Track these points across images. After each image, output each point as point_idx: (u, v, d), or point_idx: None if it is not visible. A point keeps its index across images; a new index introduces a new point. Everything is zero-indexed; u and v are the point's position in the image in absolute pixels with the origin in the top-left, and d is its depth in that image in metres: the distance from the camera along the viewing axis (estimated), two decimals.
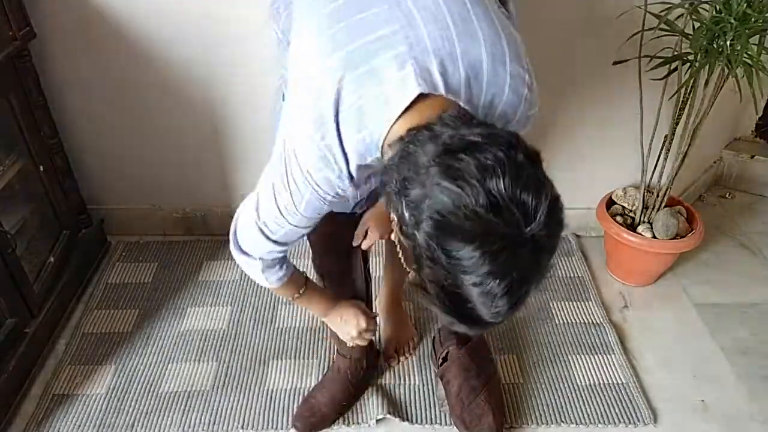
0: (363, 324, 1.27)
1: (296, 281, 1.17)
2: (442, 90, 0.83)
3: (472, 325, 0.76)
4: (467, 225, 0.68)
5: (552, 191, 0.75)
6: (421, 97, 0.82)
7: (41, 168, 1.65)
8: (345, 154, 0.87)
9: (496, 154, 0.71)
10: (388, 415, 1.46)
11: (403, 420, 1.46)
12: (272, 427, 1.46)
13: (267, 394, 1.53)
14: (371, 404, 1.49)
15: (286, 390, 1.54)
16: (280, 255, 1.07)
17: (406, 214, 0.74)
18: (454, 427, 1.45)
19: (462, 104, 0.85)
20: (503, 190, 0.69)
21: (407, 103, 0.81)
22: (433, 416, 1.48)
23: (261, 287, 1.82)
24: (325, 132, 0.85)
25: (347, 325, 1.27)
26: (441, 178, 0.70)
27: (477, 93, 0.88)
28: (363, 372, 1.50)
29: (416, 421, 1.46)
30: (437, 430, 1.46)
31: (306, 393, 1.51)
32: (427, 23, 0.85)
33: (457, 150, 0.72)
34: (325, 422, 1.46)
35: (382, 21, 0.85)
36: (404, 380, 1.56)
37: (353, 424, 1.46)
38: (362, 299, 1.38)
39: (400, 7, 0.86)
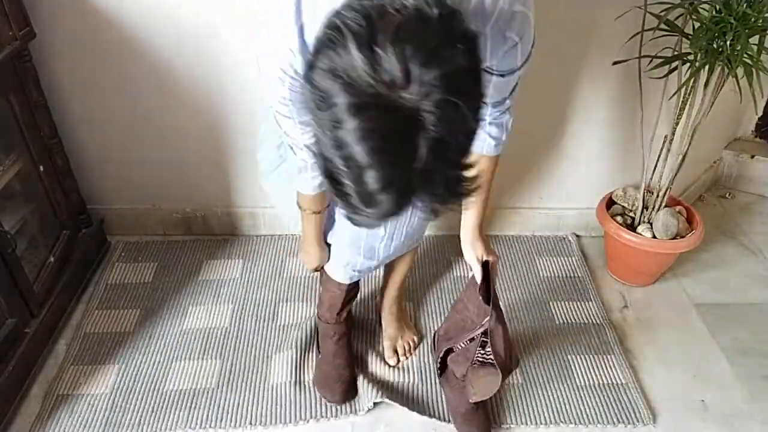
0: (313, 265, 1.43)
1: (321, 201, 1.24)
2: None
3: (365, 205, 0.68)
4: (336, 75, 0.63)
5: (461, 79, 0.64)
6: None
7: (41, 168, 1.65)
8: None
9: (401, 4, 0.64)
10: (386, 399, 1.47)
11: (403, 406, 1.47)
12: (280, 422, 1.46)
13: (272, 390, 1.53)
14: (367, 395, 1.50)
15: (290, 384, 1.54)
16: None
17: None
18: (429, 423, 1.46)
19: None
20: (388, 45, 0.61)
21: None
22: (431, 410, 1.48)
23: (261, 285, 1.83)
24: None
25: (307, 256, 1.41)
26: (337, 21, 0.65)
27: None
28: (344, 322, 1.57)
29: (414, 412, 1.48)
30: (436, 424, 1.46)
31: (310, 382, 1.55)
32: None
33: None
34: (351, 382, 1.53)
35: None
36: (403, 379, 1.56)
37: (346, 414, 1.48)
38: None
39: None
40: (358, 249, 1.35)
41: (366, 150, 0.63)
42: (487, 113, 1.15)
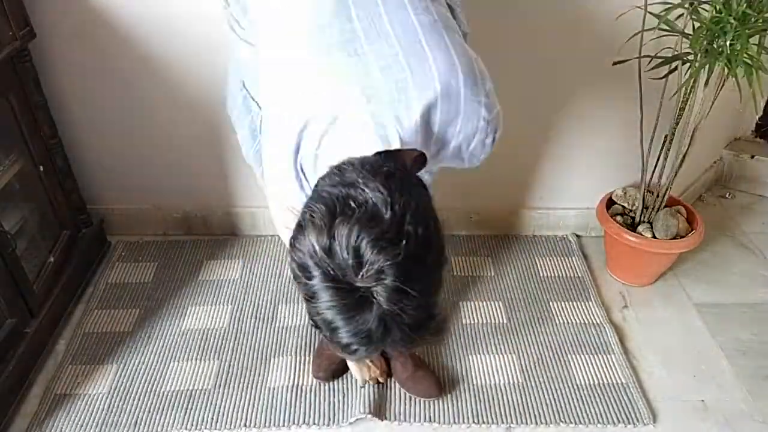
0: (370, 373, 1.51)
1: None
2: (397, 145, 0.89)
3: (344, 352, 0.80)
4: (305, 257, 0.75)
5: (409, 267, 0.74)
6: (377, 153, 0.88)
7: (41, 168, 1.65)
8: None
9: (363, 199, 0.75)
10: (368, 416, 1.46)
11: (382, 419, 1.47)
12: (274, 425, 1.46)
13: (269, 392, 1.53)
14: (347, 404, 1.49)
15: (287, 387, 1.54)
16: None
17: None
18: (429, 424, 1.47)
19: (420, 148, 0.93)
20: (344, 236, 0.72)
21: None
22: (408, 414, 1.48)
23: (261, 286, 1.83)
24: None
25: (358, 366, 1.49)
26: (307, 212, 0.77)
27: (429, 135, 0.94)
28: None
29: (392, 419, 1.47)
30: (414, 427, 1.46)
31: (311, 371, 1.57)
32: (384, 72, 0.90)
33: (336, 189, 0.78)
34: (344, 366, 1.54)
35: (344, 74, 0.91)
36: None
37: (324, 425, 1.46)
38: None
39: (358, 55, 0.90)
40: None
41: (334, 316, 0.75)
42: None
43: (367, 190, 0.76)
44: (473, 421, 1.47)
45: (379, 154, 0.88)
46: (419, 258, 0.76)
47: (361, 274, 0.73)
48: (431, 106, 0.91)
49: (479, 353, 1.64)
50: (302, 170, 0.96)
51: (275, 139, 0.99)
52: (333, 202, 0.76)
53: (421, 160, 0.98)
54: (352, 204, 0.75)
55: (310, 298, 0.77)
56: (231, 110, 1.33)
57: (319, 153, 0.92)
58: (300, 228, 0.78)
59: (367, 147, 0.88)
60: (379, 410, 1.48)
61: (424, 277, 0.77)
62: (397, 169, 0.83)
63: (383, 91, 0.89)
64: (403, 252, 0.73)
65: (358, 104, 0.89)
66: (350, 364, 1.50)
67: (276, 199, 1.15)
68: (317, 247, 0.74)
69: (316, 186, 0.83)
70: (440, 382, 1.54)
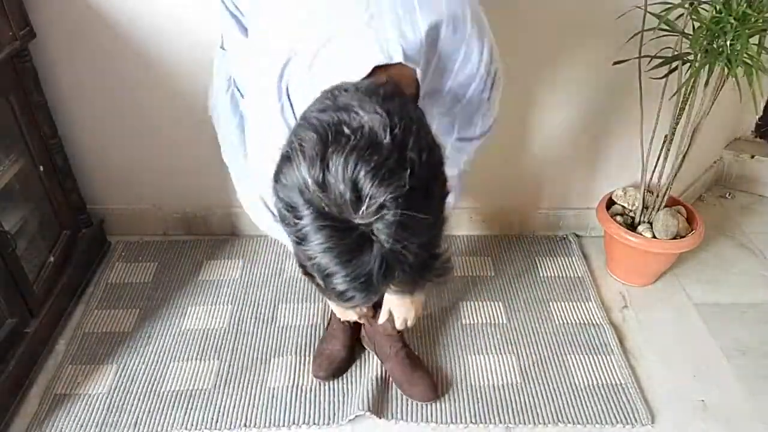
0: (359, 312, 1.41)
1: None
2: (399, 58, 0.83)
3: (339, 300, 0.73)
4: (294, 193, 0.68)
5: (413, 199, 0.67)
6: (378, 67, 0.82)
7: (41, 168, 1.65)
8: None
9: (358, 124, 0.66)
10: (367, 413, 1.46)
11: (379, 417, 1.47)
12: (274, 425, 1.46)
13: (269, 392, 1.53)
14: (347, 404, 1.50)
15: (287, 387, 1.54)
16: None
17: None
18: (426, 423, 1.47)
19: (418, 70, 0.86)
20: (339, 167, 0.65)
21: (363, 74, 0.82)
22: (407, 414, 1.48)
23: (261, 286, 1.83)
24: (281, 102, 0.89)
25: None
26: (294, 141, 0.69)
27: (431, 57, 0.88)
28: None
29: (390, 418, 1.47)
30: (413, 426, 1.46)
31: (312, 370, 1.57)
32: None
33: (326, 114, 0.69)
34: (344, 366, 1.56)
35: None
36: (377, 373, 1.56)
37: (324, 425, 1.46)
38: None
39: None
40: None
41: (329, 260, 0.68)
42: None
43: (362, 113, 0.68)
44: (471, 421, 1.47)
45: (376, 75, 0.80)
46: (424, 188, 0.68)
47: (360, 210, 0.65)
48: (437, 26, 0.87)
49: (478, 353, 1.64)
50: (290, 103, 0.89)
51: (259, 73, 0.91)
52: (324, 129, 0.67)
53: (416, 93, 0.90)
54: (346, 130, 0.66)
55: (301, 240, 0.69)
56: (213, 109, 1.30)
57: (311, 77, 0.84)
58: (287, 160, 0.69)
59: (367, 60, 0.81)
60: (378, 408, 1.48)
61: (429, 210, 0.69)
62: (395, 92, 0.75)
63: (387, 8, 0.84)
64: (407, 182, 0.65)
65: (359, 19, 0.83)
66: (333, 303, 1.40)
67: (259, 159, 1.04)
68: (309, 181, 0.66)
69: (303, 113, 0.73)
70: (436, 386, 1.52)
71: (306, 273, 0.73)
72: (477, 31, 0.93)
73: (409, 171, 0.66)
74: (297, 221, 0.68)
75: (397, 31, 0.84)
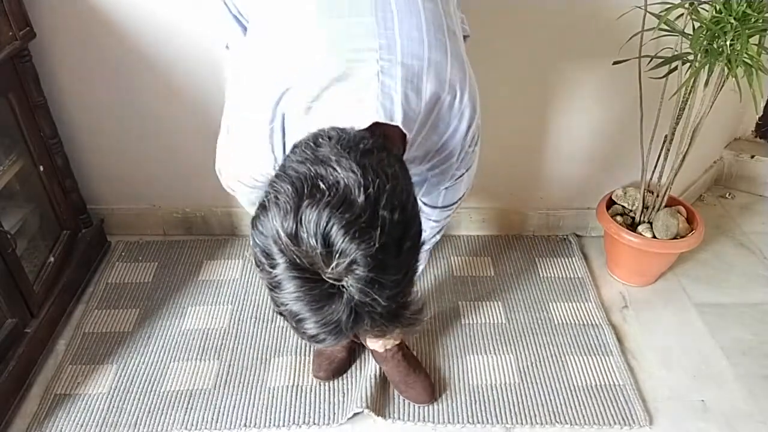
0: None
1: None
2: (398, 121, 0.84)
3: (310, 341, 0.76)
4: (269, 242, 0.70)
5: (383, 257, 0.68)
6: (376, 124, 0.83)
7: (41, 168, 1.65)
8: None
9: (333, 180, 0.68)
10: (366, 410, 1.46)
11: (378, 415, 1.47)
12: (274, 425, 1.46)
13: (269, 392, 1.53)
14: (347, 404, 1.49)
15: (287, 387, 1.54)
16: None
17: None
18: (424, 423, 1.46)
19: (409, 135, 0.88)
20: (312, 222, 0.66)
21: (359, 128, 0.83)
22: (406, 414, 1.48)
23: (261, 286, 1.83)
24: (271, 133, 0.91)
25: None
26: (271, 192, 0.71)
27: (424, 125, 0.91)
28: None
29: (388, 417, 1.47)
30: (412, 426, 1.46)
31: (312, 371, 1.57)
32: (406, 41, 0.85)
33: (304, 166, 0.71)
34: (344, 366, 1.55)
35: (363, 34, 0.86)
36: (377, 372, 1.56)
37: (324, 425, 1.46)
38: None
39: (385, 24, 0.85)
40: None
41: (300, 307, 0.70)
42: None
43: (338, 169, 0.69)
44: (469, 421, 1.47)
45: (365, 129, 0.81)
46: (395, 246, 0.70)
47: (330, 265, 0.67)
48: (438, 95, 0.88)
49: (478, 353, 1.64)
50: (283, 132, 0.90)
51: (256, 89, 0.91)
52: (300, 182, 0.69)
53: (403, 144, 0.92)
54: (322, 185, 0.68)
55: (274, 287, 0.71)
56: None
57: (309, 119, 0.85)
58: (263, 209, 0.71)
59: (367, 117, 0.82)
60: (377, 407, 1.48)
61: (399, 266, 0.71)
62: (376, 146, 0.76)
63: (398, 59, 0.84)
64: (378, 241, 0.67)
65: (370, 65, 0.83)
66: None
67: (234, 164, 1.08)
68: (282, 233, 0.67)
69: (284, 161, 0.76)
70: (434, 388, 1.52)
71: (280, 314, 0.75)
72: (470, 99, 0.94)
73: (380, 230, 0.67)
74: (271, 269, 0.70)
75: (402, 91, 0.84)
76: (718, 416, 1.50)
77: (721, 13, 1.42)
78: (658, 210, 1.78)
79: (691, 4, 1.45)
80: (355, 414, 1.47)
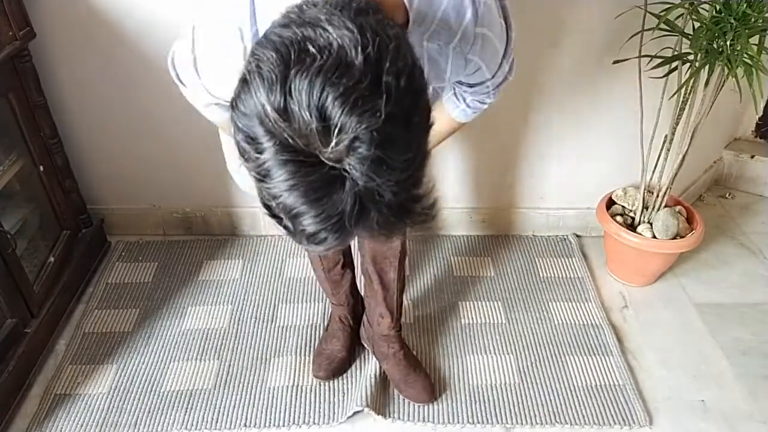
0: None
1: None
2: None
3: (309, 243, 0.65)
4: (253, 122, 0.59)
5: (391, 130, 0.57)
6: None
7: (41, 168, 1.65)
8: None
9: (325, 42, 0.57)
10: (366, 409, 1.46)
11: (378, 414, 1.47)
12: (274, 425, 1.46)
13: (269, 392, 1.53)
14: (346, 403, 1.50)
15: (287, 387, 1.54)
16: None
17: None
18: (423, 423, 1.46)
19: (410, 7, 0.78)
20: (303, 92, 0.56)
21: None
22: (405, 413, 1.48)
23: (261, 286, 1.83)
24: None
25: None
26: (252, 61, 0.60)
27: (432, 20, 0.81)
28: (360, 312, 1.62)
29: (387, 416, 1.47)
30: (412, 426, 1.46)
31: (312, 370, 1.57)
32: None
33: (289, 30, 0.60)
34: (344, 366, 1.56)
35: None
36: (377, 372, 1.56)
37: (324, 424, 1.46)
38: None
39: None
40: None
41: (296, 199, 0.60)
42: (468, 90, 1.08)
43: (330, 29, 0.58)
44: (468, 421, 1.47)
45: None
46: (403, 119, 0.59)
47: (329, 144, 0.56)
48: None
49: (477, 353, 1.64)
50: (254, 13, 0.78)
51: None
52: (286, 47, 0.57)
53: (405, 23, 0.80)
54: (311, 48, 0.57)
55: (263, 177, 0.60)
56: None
57: None
58: (244, 84, 0.60)
59: None
60: (377, 406, 1.48)
61: (409, 143, 0.61)
62: (371, 7, 0.64)
63: None
64: (383, 111, 0.56)
65: None
66: None
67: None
68: (268, 108, 0.57)
69: (264, 32, 0.63)
70: (433, 388, 1.52)
71: (272, 215, 0.64)
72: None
73: (385, 98, 0.57)
74: (258, 155, 0.59)
75: None
76: (718, 416, 1.50)
77: (721, 13, 1.42)
78: (658, 210, 1.78)
79: (691, 4, 1.45)
80: (356, 413, 1.47)
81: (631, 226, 1.80)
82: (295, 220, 0.61)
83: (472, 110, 1.12)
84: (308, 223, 0.61)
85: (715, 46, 1.45)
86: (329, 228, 0.61)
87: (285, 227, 0.64)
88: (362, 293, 1.58)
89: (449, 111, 1.13)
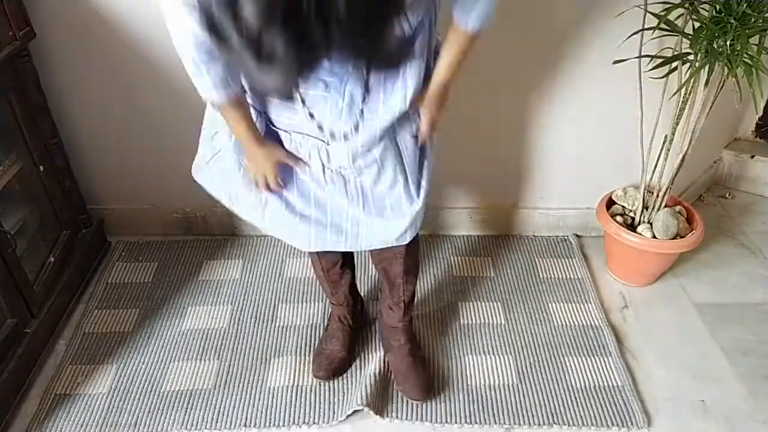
0: (266, 171, 1.21)
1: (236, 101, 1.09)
2: None
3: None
4: None
5: None
6: None
7: (41, 168, 1.65)
8: None
9: None
10: (365, 408, 1.46)
11: (377, 413, 1.47)
12: (274, 425, 1.46)
13: (268, 392, 1.53)
14: (346, 403, 1.50)
15: (287, 387, 1.54)
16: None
17: None
18: (421, 423, 1.46)
19: None
20: None
21: None
22: (405, 413, 1.48)
23: (261, 286, 1.83)
24: None
25: (255, 164, 1.22)
26: None
27: None
28: (360, 311, 1.66)
29: (386, 416, 1.47)
30: (411, 426, 1.46)
31: (311, 370, 1.57)
32: None
33: None
34: (344, 365, 1.57)
35: None
36: (377, 371, 1.56)
37: (324, 424, 1.46)
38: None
39: None
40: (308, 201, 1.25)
41: (260, 15, 0.56)
42: None
43: None
44: (467, 422, 1.47)
45: None
46: None
47: None
48: None
49: (476, 353, 1.64)
50: None
51: None
52: None
53: None
54: None
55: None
56: None
57: None
58: None
59: None
60: (377, 405, 1.48)
61: None
62: None
63: None
64: None
65: None
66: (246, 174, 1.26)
67: None
68: None
69: None
70: (428, 386, 1.52)
71: (216, 32, 0.60)
72: None
73: None
74: None
75: None
76: (718, 416, 1.50)
77: (721, 13, 1.43)
78: (658, 210, 1.78)
79: (691, 4, 1.45)
80: (355, 412, 1.47)
81: (631, 226, 1.80)
82: (264, 41, 0.57)
83: (475, 20, 1.05)
84: (278, 44, 0.56)
85: (715, 46, 1.45)
86: (286, 36, 0.57)
87: (252, 65, 0.59)
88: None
89: (458, 19, 1.06)
